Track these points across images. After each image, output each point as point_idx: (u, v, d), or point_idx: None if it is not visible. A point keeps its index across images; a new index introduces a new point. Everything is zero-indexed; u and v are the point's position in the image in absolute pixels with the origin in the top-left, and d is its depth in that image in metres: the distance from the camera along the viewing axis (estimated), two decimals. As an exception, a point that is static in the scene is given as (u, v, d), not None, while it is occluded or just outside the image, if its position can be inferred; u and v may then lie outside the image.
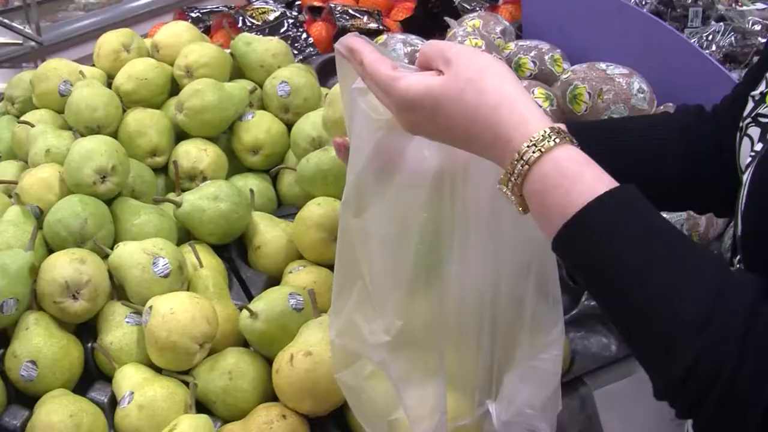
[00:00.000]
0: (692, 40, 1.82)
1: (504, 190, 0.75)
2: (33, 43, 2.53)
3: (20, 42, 2.54)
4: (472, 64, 0.77)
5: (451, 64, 0.78)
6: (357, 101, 0.87)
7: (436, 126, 0.79)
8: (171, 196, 1.43)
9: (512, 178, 0.73)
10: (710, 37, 1.89)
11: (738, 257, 0.84)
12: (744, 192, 0.81)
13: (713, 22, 1.97)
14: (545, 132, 0.71)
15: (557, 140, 0.71)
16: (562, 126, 0.74)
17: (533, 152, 0.71)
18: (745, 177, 0.81)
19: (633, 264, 0.68)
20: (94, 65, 1.69)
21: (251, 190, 1.45)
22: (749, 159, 0.83)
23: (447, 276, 0.90)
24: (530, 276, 0.90)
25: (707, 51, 1.82)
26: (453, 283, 0.90)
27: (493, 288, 0.91)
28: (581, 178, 0.70)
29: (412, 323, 0.90)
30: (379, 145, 0.85)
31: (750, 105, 0.88)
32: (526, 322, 0.92)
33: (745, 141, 0.86)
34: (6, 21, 2.41)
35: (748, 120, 0.87)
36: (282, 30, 2.03)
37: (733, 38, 1.87)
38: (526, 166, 0.71)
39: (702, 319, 0.64)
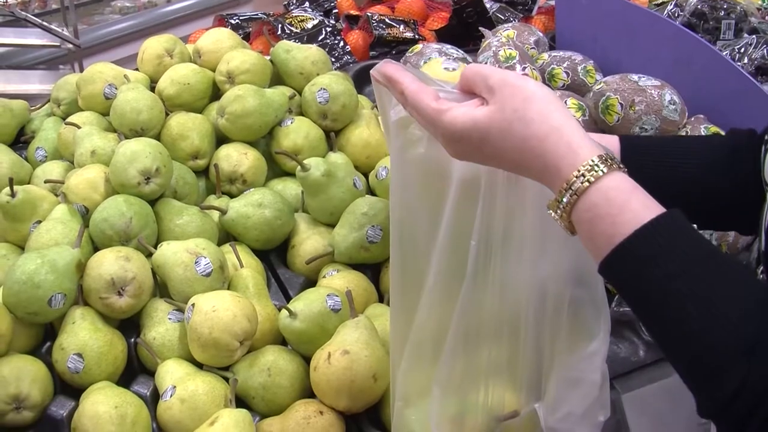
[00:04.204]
0: (724, 53, 1.83)
1: (553, 215, 0.77)
2: (70, 46, 2.57)
3: (58, 44, 2.59)
4: (516, 94, 0.77)
5: (495, 93, 0.79)
6: (397, 135, 0.90)
7: (483, 155, 0.81)
8: (212, 199, 1.47)
9: (561, 206, 0.75)
10: (742, 50, 1.89)
11: (762, 268, 0.86)
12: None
13: (746, 35, 1.97)
14: (593, 162, 0.73)
15: (605, 170, 0.73)
16: (609, 150, 0.75)
17: (581, 183, 0.73)
18: None
19: (678, 291, 0.68)
20: (137, 69, 1.73)
21: (303, 192, 1.47)
22: None
23: (492, 278, 0.91)
24: (577, 283, 0.91)
25: (739, 63, 1.83)
26: (496, 284, 0.91)
27: (539, 291, 0.92)
28: (628, 207, 0.71)
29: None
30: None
31: None
32: (570, 328, 0.93)
33: None
34: (44, 23, 2.46)
35: None
36: (320, 38, 2.06)
37: (765, 51, 1.87)
38: (575, 196, 0.73)
39: (748, 345, 0.65)
